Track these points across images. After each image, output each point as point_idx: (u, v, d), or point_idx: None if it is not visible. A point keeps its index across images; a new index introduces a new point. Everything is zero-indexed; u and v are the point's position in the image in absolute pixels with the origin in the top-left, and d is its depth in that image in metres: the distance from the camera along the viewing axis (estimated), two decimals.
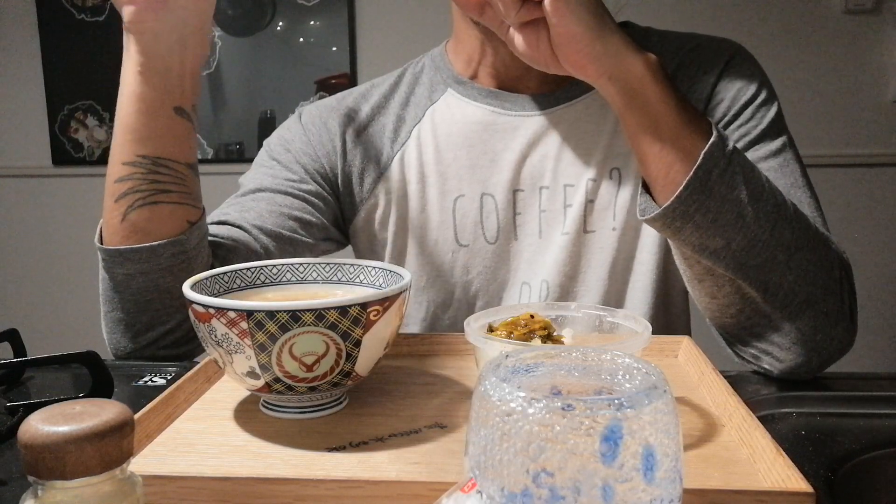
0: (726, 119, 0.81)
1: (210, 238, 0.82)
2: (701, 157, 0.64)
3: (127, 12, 0.70)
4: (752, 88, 0.82)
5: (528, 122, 0.86)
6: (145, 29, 0.71)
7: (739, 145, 0.80)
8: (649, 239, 0.84)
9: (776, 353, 0.69)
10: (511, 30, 0.67)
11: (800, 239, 0.68)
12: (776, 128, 0.81)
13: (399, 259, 0.90)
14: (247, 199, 0.87)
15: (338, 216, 0.91)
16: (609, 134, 0.84)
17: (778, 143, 0.80)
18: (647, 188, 0.70)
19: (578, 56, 0.64)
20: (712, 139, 0.64)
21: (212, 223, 0.85)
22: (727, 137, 0.66)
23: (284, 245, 0.85)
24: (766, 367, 0.71)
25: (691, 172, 0.64)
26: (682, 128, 0.65)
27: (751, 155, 0.79)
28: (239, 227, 0.84)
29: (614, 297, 0.85)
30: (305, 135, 0.90)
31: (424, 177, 0.88)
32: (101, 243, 0.76)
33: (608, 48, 0.64)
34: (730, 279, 0.68)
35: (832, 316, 0.69)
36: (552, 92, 0.86)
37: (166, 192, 0.74)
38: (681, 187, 0.64)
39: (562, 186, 0.85)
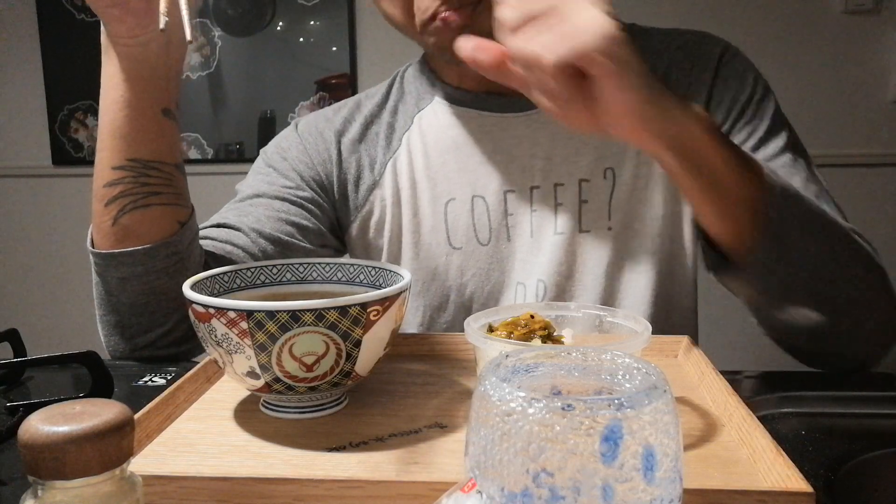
0: (731, 119, 0.81)
1: (209, 241, 0.82)
2: (768, 211, 0.63)
3: (115, 28, 0.70)
4: (748, 86, 0.82)
5: (516, 122, 0.85)
6: (135, 42, 0.71)
7: (749, 144, 0.80)
8: (647, 239, 0.84)
9: (841, 352, 0.72)
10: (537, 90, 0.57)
11: (845, 248, 0.69)
12: (779, 121, 0.82)
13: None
14: (244, 205, 0.87)
15: (334, 224, 0.92)
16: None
17: (784, 137, 0.80)
18: (703, 234, 0.69)
19: (630, 125, 0.56)
20: (769, 184, 0.63)
21: (210, 226, 0.85)
22: (775, 174, 0.66)
23: (282, 249, 0.85)
24: (835, 365, 0.73)
25: (762, 232, 0.63)
26: (739, 180, 0.63)
27: (762, 153, 0.79)
28: (237, 229, 0.84)
29: (611, 296, 0.85)
30: (302, 143, 0.91)
31: (415, 182, 0.88)
32: (93, 247, 0.76)
33: (661, 112, 0.57)
34: (792, 302, 0.68)
35: (884, 308, 0.71)
36: None
37: (157, 194, 0.74)
38: (754, 251, 0.64)
39: (552, 186, 0.84)
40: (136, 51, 0.71)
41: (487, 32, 0.77)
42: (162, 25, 0.66)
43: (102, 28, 0.72)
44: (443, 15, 0.74)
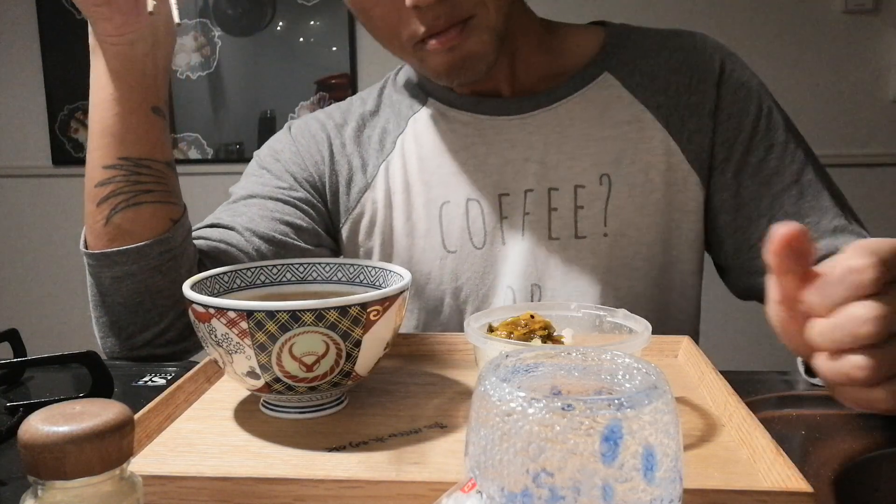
0: (746, 135, 0.83)
1: (202, 240, 0.82)
2: None
3: (103, 27, 0.70)
4: (755, 96, 0.83)
5: (510, 125, 0.85)
6: (122, 41, 0.71)
7: (772, 163, 0.82)
8: (644, 246, 0.84)
9: None
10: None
11: None
12: (790, 126, 0.84)
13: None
14: (238, 205, 0.88)
15: (328, 225, 0.92)
16: (596, 140, 0.84)
17: (800, 142, 0.83)
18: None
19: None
20: None
21: (203, 226, 0.85)
22: None
23: (277, 248, 0.85)
24: None
25: None
26: None
27: (793, 168, 0.81)
28: (231, 229, 0.84)
29: (605, 302, 0.84)
30: (294, 145, 0.91)
31: (409, 186, 0.88)
32: (87, 248, 0.76)
33: None
34: None
35: None
36: (532, 95, 0.86)
37: (149, 192, 0.74)
38: None
39: (546, 190, 0.84)
40: (124, 49, 0.71)
41: (476, 54, 0.77)
42: (150, 9, 0.66)
43: (90, 28, 0.72)
44: (431, 42, 0.75)
